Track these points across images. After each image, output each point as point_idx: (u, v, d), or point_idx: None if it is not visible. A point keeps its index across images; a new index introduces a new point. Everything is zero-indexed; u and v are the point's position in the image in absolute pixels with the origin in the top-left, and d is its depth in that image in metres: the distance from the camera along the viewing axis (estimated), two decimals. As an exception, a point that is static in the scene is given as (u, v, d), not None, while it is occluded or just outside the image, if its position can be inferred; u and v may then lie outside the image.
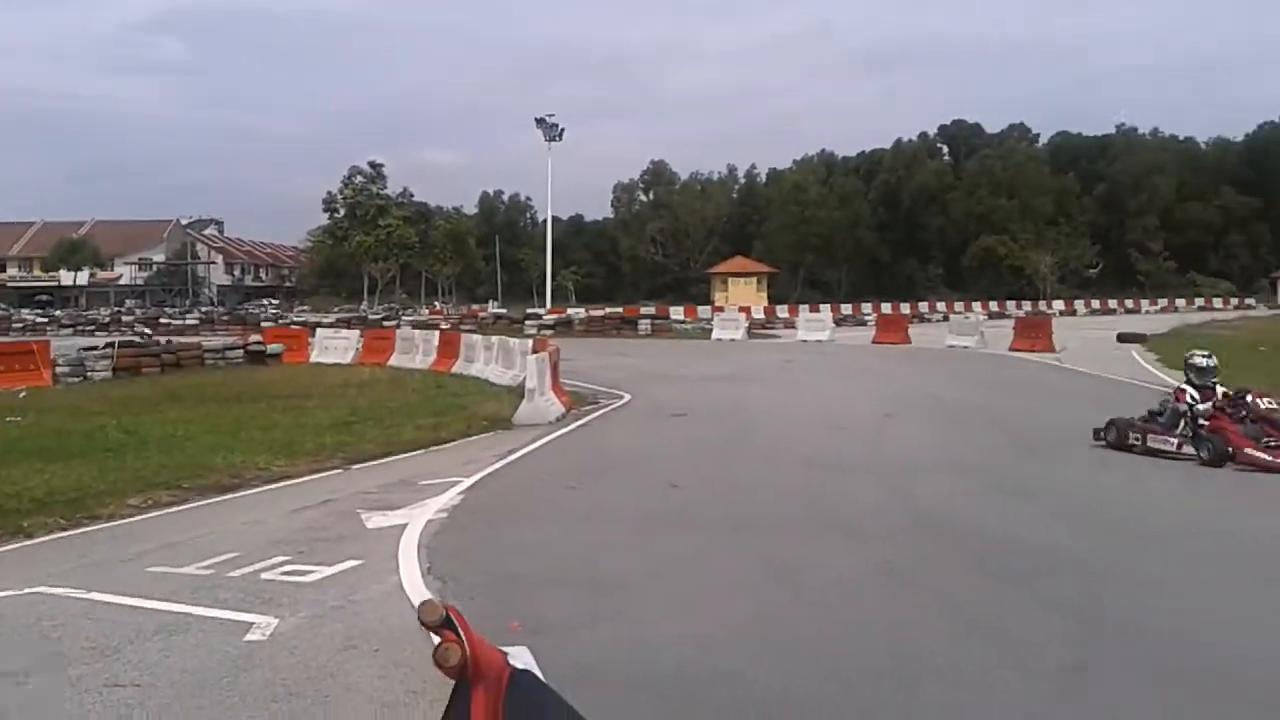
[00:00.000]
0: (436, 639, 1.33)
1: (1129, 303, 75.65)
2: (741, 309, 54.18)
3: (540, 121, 65.24)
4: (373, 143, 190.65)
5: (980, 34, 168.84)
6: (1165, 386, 21.29)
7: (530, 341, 23.97)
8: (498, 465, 12.17)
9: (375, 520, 9.06)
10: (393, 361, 28.76)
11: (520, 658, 1.65)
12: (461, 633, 1.25)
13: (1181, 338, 38.29)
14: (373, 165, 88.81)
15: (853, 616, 6.22)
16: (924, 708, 4.81)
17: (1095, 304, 74.21)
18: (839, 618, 6.19)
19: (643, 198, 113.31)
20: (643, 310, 52.96)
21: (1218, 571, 7.28)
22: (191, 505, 10.21)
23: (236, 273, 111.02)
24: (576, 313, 52.95)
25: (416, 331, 32.86)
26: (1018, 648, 5.61)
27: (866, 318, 53.88)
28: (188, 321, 55.74)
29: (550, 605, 6.44)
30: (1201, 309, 72.43)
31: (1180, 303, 76.25)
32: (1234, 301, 79.77)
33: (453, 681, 1.39)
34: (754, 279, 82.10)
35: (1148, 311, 70.17)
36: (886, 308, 60.36)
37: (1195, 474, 11.43)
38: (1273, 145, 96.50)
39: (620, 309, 55.91)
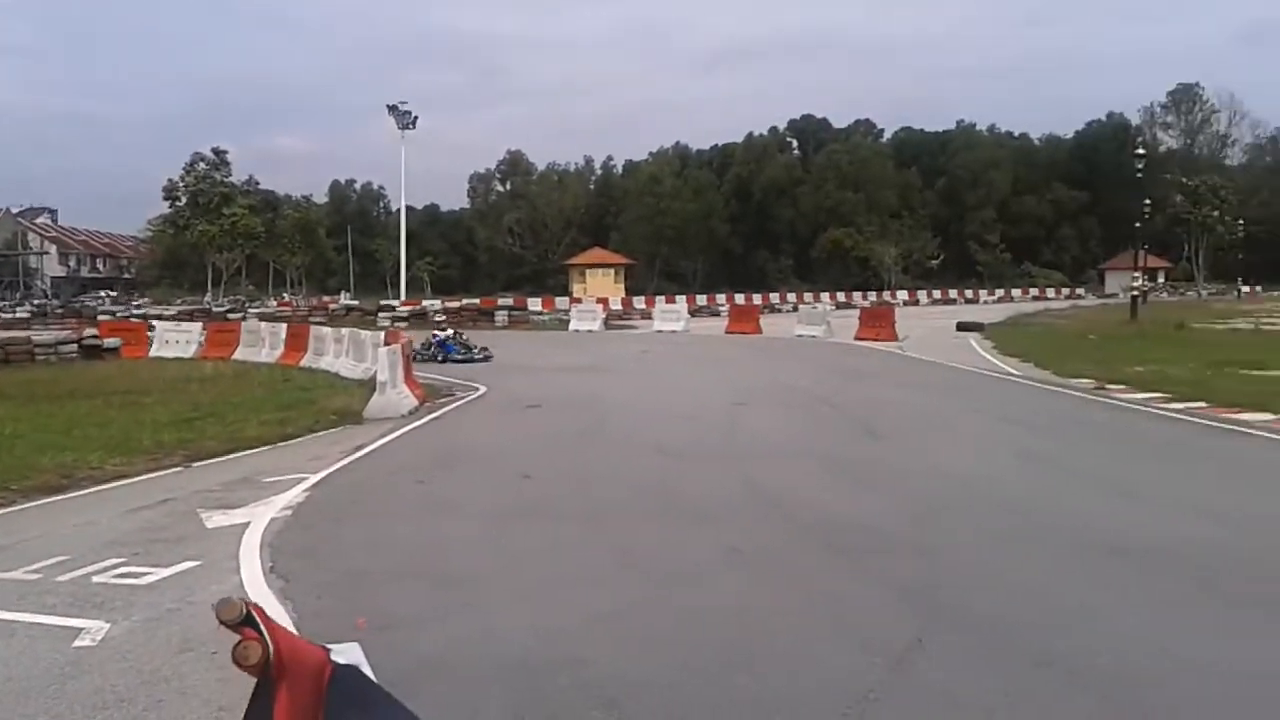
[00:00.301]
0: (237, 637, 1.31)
1: (968, 292, 78.96)
2: (599, 300, 54.40)
3: (393, 109, 64.19)
4: (217, 129, 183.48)
5: (829, 31, 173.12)
6: (1000, 373, 22.33)
7: (382, 333, 23.54)
8: (346, 460, 11.93)
9: (216, 519, 8.79)
10: (238, 355, 27.88)
11: (349, 654, 1.64)
12: (264, 629, 1.23)
13: (1017, 326, 40.23)
14: (216, 152, 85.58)
15: (701, 603, 6.33)
16: (767, 689, 4.93)
17: (937, 294, 77.16)
18: (687, 604, 6.29)
19: (499, 188, 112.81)
20: (500, 301, 52.64)
21: (1051, 559, 7.56)
22: (18, 507, 9.69)
23: (72, 264, 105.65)
24: (432, 304, 52.25)
25: (263, 324, 31.90)
26: (857, 628, 5.79)
27: (720, 308, 54.76)
28: (18, 315, 52.71)
29: (398, 601, 6.37)
30: (1036, 299, 76.36)
31: (1016, 292, 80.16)
32: (1065, 291, 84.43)
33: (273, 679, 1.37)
34: (611, 270, 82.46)
35: (986, 301, 73.31)
36: (739, 298, 61.50)
37: (1024, 456, 12.00)
38: (1100, 143, 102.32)
39: (477, 300, 55.52)
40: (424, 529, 8.45)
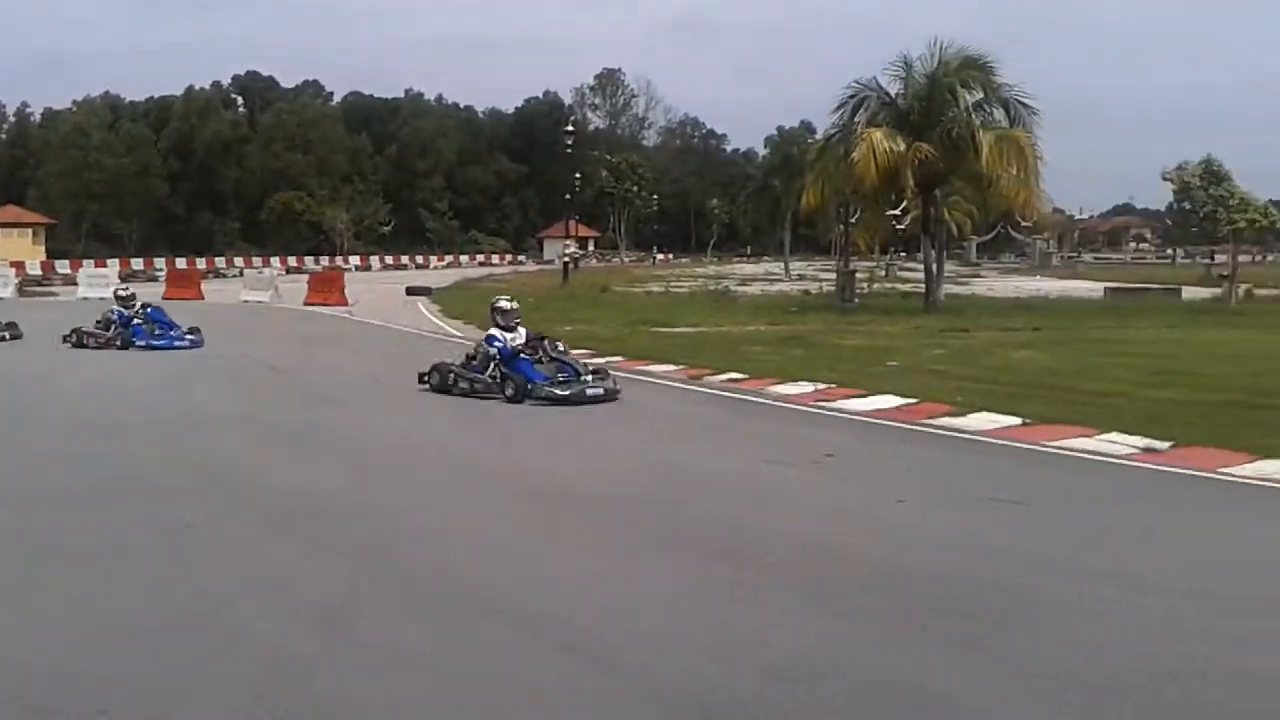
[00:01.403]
0: None
1: (420, 258, 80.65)
2: (13, 264, 48.48)
3: None
4: None
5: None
6: (443, 335, 23.26)
7: None
8: None
9: None
10: None
11: None
12: None
13: (462, 290, 41.95)
14: None
15: (124, 587, 5.97)
16: (195, 669, 4.74)
17: (389, 260, 77.94)
18: (105, 590, 5.89)
19: None
20: (-123, 267, 44.82)
21: (494, 511, 8.08)
22: None
23: None
24: None
25: None
26: (296, 596, 5.76)
27: (159, 272, 51.18)
28: None
29: None
30: (482, 264, 79.93)
31: (465, 259, 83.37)
32: (509, 258, 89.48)
33: None
34: (29, 230, 73.34)
35: (436, 267, 75.41)
36: (181, 262, 57.95)
37: (464, 410, 12.74)
38: (537, 119, 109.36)
39: None
40: None
